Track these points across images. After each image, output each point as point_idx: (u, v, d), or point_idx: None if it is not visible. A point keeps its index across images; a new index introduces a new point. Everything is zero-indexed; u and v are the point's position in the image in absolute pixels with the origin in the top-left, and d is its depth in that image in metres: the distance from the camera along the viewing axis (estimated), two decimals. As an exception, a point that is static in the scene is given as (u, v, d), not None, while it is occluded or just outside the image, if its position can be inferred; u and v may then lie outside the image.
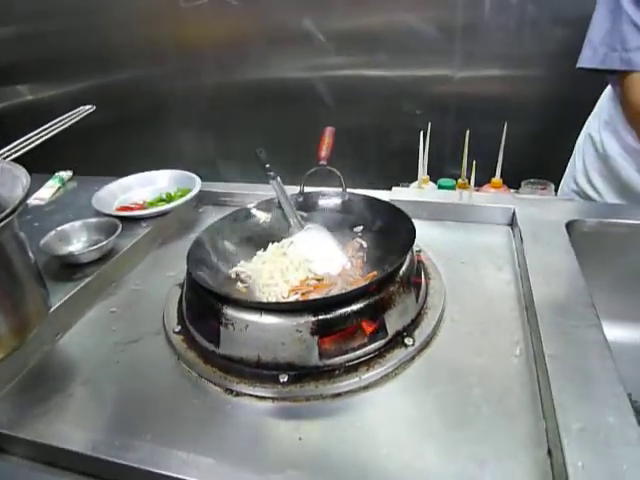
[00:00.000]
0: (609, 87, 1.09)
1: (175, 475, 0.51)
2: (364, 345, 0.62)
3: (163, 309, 0.75)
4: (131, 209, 1.03)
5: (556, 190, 1.25)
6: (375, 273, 0.73)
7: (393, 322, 0.64)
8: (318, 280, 0.72)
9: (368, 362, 0.61)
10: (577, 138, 1.23)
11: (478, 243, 0.90)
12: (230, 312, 0.61)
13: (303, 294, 0.69)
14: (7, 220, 0.57)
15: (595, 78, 1.06)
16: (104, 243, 0.83)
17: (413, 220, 0.74)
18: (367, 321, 0.62)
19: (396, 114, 1.66)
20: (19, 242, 0.65)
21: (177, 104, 1.88)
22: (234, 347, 0.62)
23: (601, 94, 1.16)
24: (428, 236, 0.89)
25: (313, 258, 0.75)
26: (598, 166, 1.11)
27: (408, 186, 1.24)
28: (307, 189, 0.88)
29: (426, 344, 0.65)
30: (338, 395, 0.59)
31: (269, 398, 0.59)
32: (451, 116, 1.61)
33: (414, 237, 0.69)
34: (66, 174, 1.23)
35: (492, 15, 1.47)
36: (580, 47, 1.02)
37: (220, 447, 0.53)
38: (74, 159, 1.32)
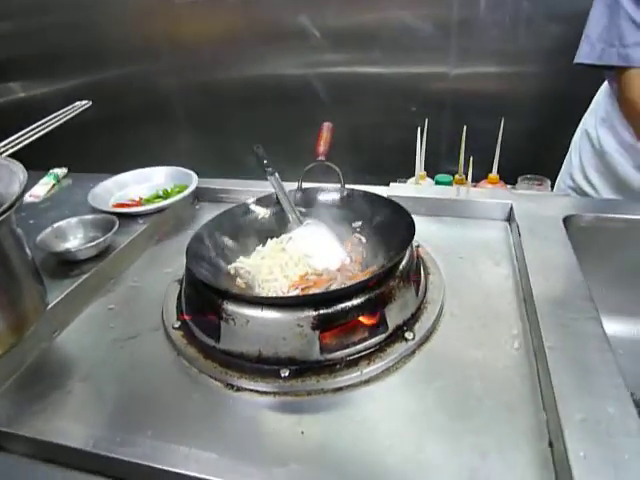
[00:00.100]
0: (605, 83, 1.10)
1: (178, 470, 0.51)
2: (365, 339, 0.62)
3: (162, 305, 0.75)
4: (128, 206, 1.02)
5: (552, 186, 1.26)
6: (375, 268, 0.73)
7: (393, 316, 0.64)
8: (318, 275, 0.72)
9: (369, 356, 0.61)
10: (573, 134, 1.24)
11: (476, 238, 0.90)
12: (231, 307, 0.61)
13: (303, 289, 0.69)
14: (4, 216, 0.56)
15: (591, 74, 1.06)
16: (101, 240, 0.82)
17: (411, 216, 0.74)
18: (368, 315, 0.62)
19: (392, 111, 1.66)
20: (16, 238, 0.64)
21: (173, 101, 1.87)
22: (235, 342, 0.61)
23: (597, 90, 1.17)
24: (426, 232, 0.89)
25: (312, 253, 0.75)
26: (594, 162, 1.11)
27: (405, 182, 1.24)
28: (305, 185, 0.88)
29: (426, 338, 0.65)
30: (339, 389, 0.59)
31: (270, 393, 0.59)
32: (447, 113, 1.61)
33: (414, 231, 0.69)
34: (61, 171, 1.22)
35: (487, 12, 1.47)
36: (576, 43, 1.02)
37: (222, 442, 0.53)
38: (68, 156, 1.30)
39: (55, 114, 0.81)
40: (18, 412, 0.59)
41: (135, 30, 1.78)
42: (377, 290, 0.62)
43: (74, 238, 0.88)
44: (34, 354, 0.68)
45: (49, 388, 0.62)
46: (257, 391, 0.59)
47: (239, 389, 0.60)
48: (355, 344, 0.61)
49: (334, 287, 0.68)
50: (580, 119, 1.21)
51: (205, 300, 0.64)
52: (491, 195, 0.99)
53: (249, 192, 1.02)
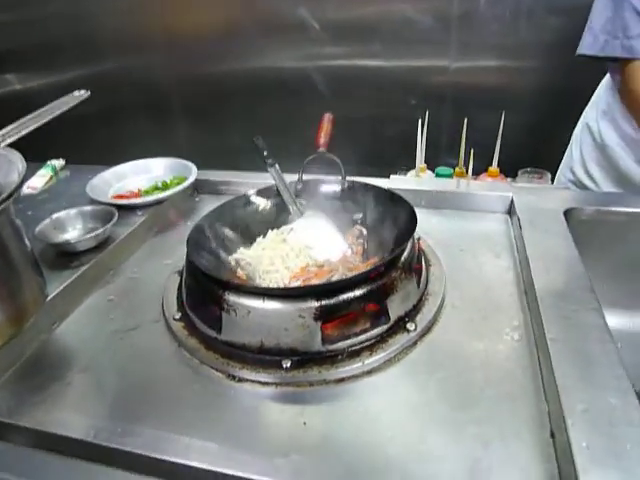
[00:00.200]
0: (607, 76, 1.09)
1: (179, 460, 0.50)
2: (367, 330, 0.62)
3: (162, 297, 0.74)
4: (126, 197, 1.02)
5: (552, 180, 1.25)
6: (376, 259, 0.73)
7: (395, 308, 0.64)
8: (319, 267, 0.72)
9: (371, 347, 0.61)
10: (573, 128, 1.24)
11: (476, 231, 0.90)
12: (232, 298, 0.60)
13: (304, 280, 0.69)
14: (3, 205, 0.56)
15: (592, 68, 1.06)
16: (101, 231, 0.82)
17: (411, 208, 0.74)
18: (370, 306, 0.62)
19: (392, 104, 1.66)
20: (15, 229, 0.64)
21: (171, 93, 1.86)
22: (236, 333, 0.61)
23: (597, 84, 1.16)
24: (427, 224, 0.89)
25: (313, 245, 0.75)
26: (595, 156, 1.11)
27: (405, 175, 1.24)
28: (306, 177, 0.88)
29: (428, 329, 0.65)
30: (341, 380, 0.59)
31: (272, 384, 0.59)
32: (447, 106, 1.61)
33: (415, 223, 0.69)
34: (58, 163, 1.21)
35: (488, 5, 1.46)
36: (576, 37, 1.02)
37: (224, 432, 0.53)
38: (66, 148, 1.29)
39: (53, 103, 0.80)
40: (18, 403, 0.59)
41: (133, 22, 1.76)
42: (379, 281, 0.62)
43: (73, 229, 0.88)
44: (33, 345, 0.68)
45: (49, 379, 0.62)
46: (259, 382, 0.59)
47: (241, 380, 0.60)
48: (357, 335, 0.61)
49: (336, 278, 0.68)
50: (580, 113, 1.21)
51: (206, 291, 0.64)
52: (492, 188, 0.99)
53: (249, 184, 1.02)
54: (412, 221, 0.70)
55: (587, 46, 0.98)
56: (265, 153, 0.85)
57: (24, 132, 0.74)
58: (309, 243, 0.75)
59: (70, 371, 0.64)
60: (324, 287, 0.62)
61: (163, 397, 0.59)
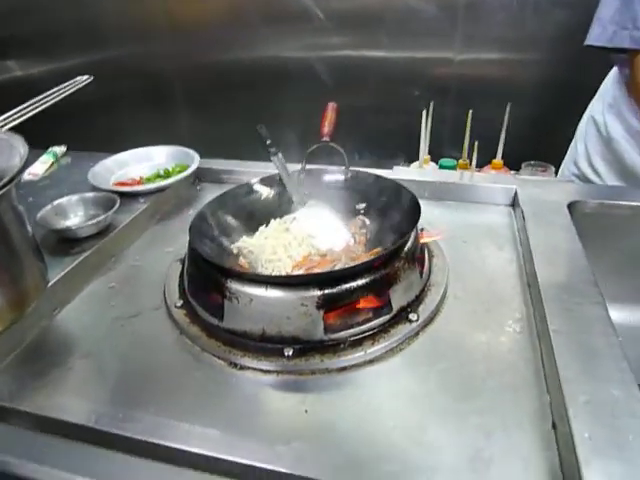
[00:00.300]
0: (614, 69, 1.08)
1: (180, 446, 0.50)
2: (369, 320, 0.62)
3: (163, 284, 0.74)
4: (128, 185, 1.01)
5: (556, 174, 1.25)
6: (379, 249, 0.72)
7: (398, 298, 0.63)
8: (321, 256, 0.71)
9: (373, 337, 0.61)
10: (577, 122, 1.23)
11: (479, 223, 0.89)
12: (235, 286, 0.60)
13: (307, 269, 0.68)
14: (5, 189, 0.55)
15: (598, 61, 1.05)
16: (102, 217, 0.82)
17: (414, 199, 0.73)
18: (372, 296, 0.62)
19: (396, 95, 1.65)
20: (17, 214, 0.63)
21: (174, 81, 1.85)
22: (238, 321, 0.61)
23: (602, 77, 1.15)
24: (430, 215, 0.89)
25: (316, 234, 0.74)
26: (600, 149, 1.10)
27: (408, 166, 1.23)
28: (309, 166, 0.87)
29: (430, 320, 0.65)
30: (343, 369, 0.59)
31: (274, 371, 0.59)
32: (451, 98, 1.59)
33: (419, 213, 0.69)
34: (60, 149, 1.20)
35: (494, -4, 1.45)
36: (581, 30, 1.01)
37: (225, 419, 0.53)
38: (67, 135, 1.29)
39: (56, 88, 0.80)
40: (19, 388, 0.59)
41: (136, 9, 1.75)
42: (382, 271, 0.62)
43: (74, 216, 0.87)
44: (35, 331, 0.68)
45: (50, 365, 0.62)
46: (260, 370, 0.59)
47: (242, 367, 0.60)
48: (359, 324, 0.61)
49: (338, 267, 0.67)
50: (585, 106, 1.20)
51: (208, 279, 0.64)
52: (495, 180, 0.98)
53: (251, 173, 1.01)
54: (416, 211, 0.69)
55: (595, 37, 0.96)
56: (268, 142, 0.84)
57: (26, 116, 0.74)
58: (312, 232, 0.74)
59: (71, 357, 0.64)
60: (327, 276, 0.62)
61: (164, 384, 0.59)
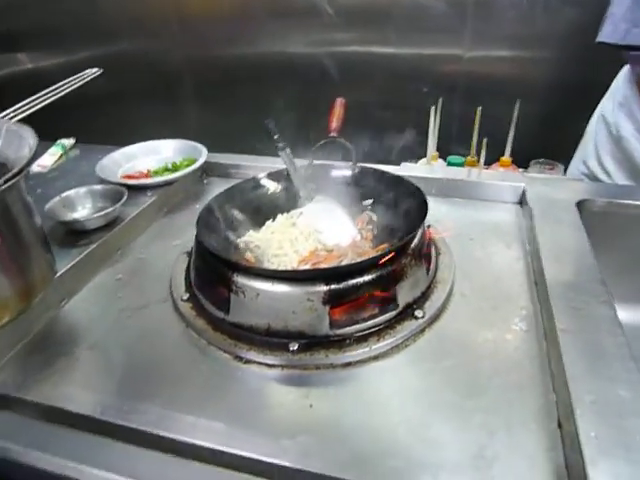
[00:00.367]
0: (625, 67, 1.07)
1: (185, 439, 0.51)
2: (375, 316, 0.62)
3: (170, 277, 0.74)
4: (136, 177, 1.01)
5: (565, 172, 1.24)
6: (386, 245, 0.72)
7: (404, 294, 0.63)
8: (328, 251, 0.71)
9: (378, 333, 0.61)
10: (587, 121, 1.22)
11: (487, 220, 0.89)
12: (241, 280, 0.60)
13: (313, 264, 0.68)
14: (14, 181, 0.55)
15: (608, 59, 1.04)
16: (110, 210, 0.82)
17: (422, 196, 0.73)
18: (378, 292, 0.62)
19: (404, 91, 1.64)
20: (25, 205, 0.63)
21: (182, 75, 1.85)
22: (244, 315, 0.61)
23: (612, 76, 1.14)
24: (437, 212, 0.88)
25: (323, 229, 0.74)
26: (610, 148, 1.09)
27: (416, 163, 1.23)
28: (316, 162, 0.87)
29: (436, 317, 0.65)
30: (348, 364, 0.59)
31: (279, 366, 0.59)
32: (459, 95, 1.58)
33: (426, 210, 0.68)
34: (68, 142, 1.21)
35: (504, -7, 1.44)
36: (591, 28, 0.99)
37: (230, 412, 0.53)
38: (76, 128, 1.29)
39: (65, 81, 0.80)
40: (26, 378, 0.59)
41: (146, 3, 1.75)
42: (388, 267, 0.62)
43: (82, 208, 0.88)
44: (42, 322, 0.68)
45: (57, 355, 0.63)
46: (266, 364, 0.59)
47: (248, 361, 0.60)
48: (365, 320, 0.61)
49: (345, 263, 0.67)
50: (594, 105, 1.19)
51: (215, 272, 0.64)
52: (503, 178, 0.98)
53: (259, 167, 1.01)
54: (423, 208, 0.69)
55: (607, 34, 0.95)
56: (276, 137, 0.84)
57: (36, 108, 0.74)
58: (318, 227, 0.74)
59: (78, 347, 0.64)
60: (334, 271, 0.62)
61: (170, 376, 0.59)
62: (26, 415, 0.56)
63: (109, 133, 1.34)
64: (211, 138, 1.16)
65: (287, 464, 0.47)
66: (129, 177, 1.02)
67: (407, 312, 0.64)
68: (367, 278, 0.60)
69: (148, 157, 1.10)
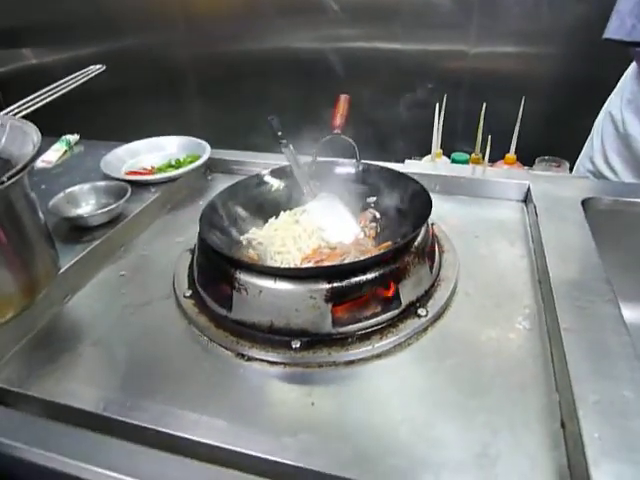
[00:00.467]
0: (633, 64, 1.06)
1: (187, 436, 0.51)
2: (377, 314, 0.61)
3: (173, 274, 0.75)
4: (140, 174, 1.01)
5: (571, 170, 1.23)
6: (389, 243, 0.72)
7: (407, 292, 0.63)
8: (331, 249, 0.71)
9: (381, 331, 0.61)
10: (593, 118, 1.21)
11: (491, 218, 0.88)
12: (244, 277, 0.60)
13: (316, 262, 0.68)
14: (18, 176, 0.55)
15: (614, 56, 1.03)
16: (114, 206, 0.82)
17: (425, 193, 0.73)
18: (381, 290, 0.62)
19: (409, 88, 1.63)
20: (29, 201, 0.64)
21: (187, 71, 1.85)
22: (247, 312, 0.61)
23: (618, 72, 1.13)
24: (441, 210, 0.88)
25: (326, 227, 0.74)
26: (617, 146, 1.08)
27: (420, 160, 1.22)
28: (320, 158, 0.86)
29: (439, 315, 0.65)
30: (351, 362, 0.58)
31: (281, 363, 0.59)
32: (464, 92, 1.58)
33: (430, 207, 0.68)
34: (73, 137, 1.21)
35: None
36: (597, 24, 0.99)
37: (232, 410, 0.53)
38: (80, 124, 1.29)
39: (69, 77, 0.80)
40: (29, 373, 0.59)
41: (150, -1, 1.75)
42: (391, 265, 0.61)
43: (86, 204, 0.88)
44: (46, 318, 0.69)
45: (60, 351, 0.63)
46: (268, 361, 0.59)
47: (250, 359, 0.60)
48: (368, 318, 0.61)
49: (348, 261, 0.67)
50: (601, 102, 1.18)
51: (218, 269, 0.64)
52: (508, 175, 0.97)
53: (262, 164, 1.01)
54: (427, 206, 0.69)
55: (614, 30, 0.94)
56: (279, 133, 0.84)
57: (40, 104, 0.74)
58: (322, 225, 0.74)
59: (81, 344, 0.64)
60: (336, 269, 0.62)
61: (172, 373, 0.59)
62: (29, 411, 0.56)
63: (113, 129, 1.34)
64: (215, 134, 1.16)
65: (288, 462, 0.47)
66: (133, 173, 1.02)
67: (410, 310, 0.63)
68: (370, 276, 0.60)
69: (152, 153, 1.10)
